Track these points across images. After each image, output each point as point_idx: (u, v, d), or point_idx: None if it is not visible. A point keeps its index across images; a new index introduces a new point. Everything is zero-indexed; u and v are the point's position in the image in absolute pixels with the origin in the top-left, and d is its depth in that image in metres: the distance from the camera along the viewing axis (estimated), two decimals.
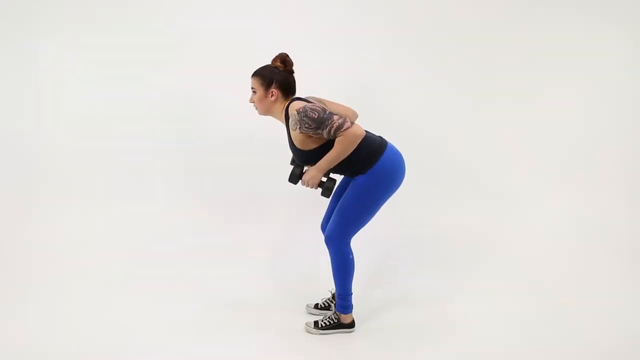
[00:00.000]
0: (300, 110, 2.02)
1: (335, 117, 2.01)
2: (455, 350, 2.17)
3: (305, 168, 2.20)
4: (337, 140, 2.03)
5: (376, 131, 2.25)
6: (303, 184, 2.17)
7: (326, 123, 2.00)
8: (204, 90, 3.43)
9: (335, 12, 3.39)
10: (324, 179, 2.20)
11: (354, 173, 2.14)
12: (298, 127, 2.03)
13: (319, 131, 2.02)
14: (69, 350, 2.12)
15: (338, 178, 2.37)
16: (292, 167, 2.25)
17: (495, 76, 3.48)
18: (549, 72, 3.48)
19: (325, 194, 2.17)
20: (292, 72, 2.18)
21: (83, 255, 3.06)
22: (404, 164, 2.19)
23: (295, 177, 2.19)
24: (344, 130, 2.01)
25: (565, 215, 3.47)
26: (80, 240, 3.20)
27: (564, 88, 3.50)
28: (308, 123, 2.01)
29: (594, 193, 3.54)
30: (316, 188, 2.17)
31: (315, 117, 2.00)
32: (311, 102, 2.10)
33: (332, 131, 2.01)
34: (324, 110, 2.03)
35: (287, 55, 2.16)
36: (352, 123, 2.03)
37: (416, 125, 3.46)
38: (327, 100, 2.29)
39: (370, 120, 2.28)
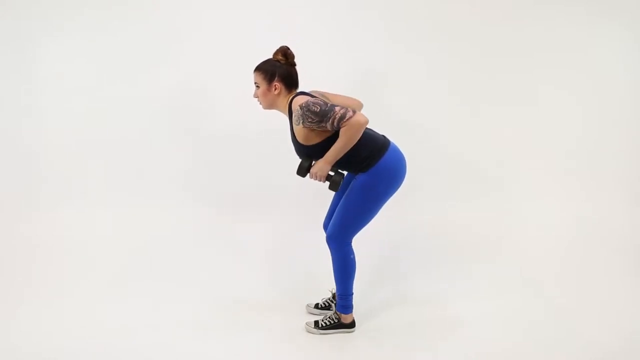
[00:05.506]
0: (303, 105, 2.02)
1: (337, 108, 2.01)
2: (455, 351, 2.17)
3: (314, 162, 2.18)
4: (341, 130, 2.02)
5: (377, 130, 2.25)
6: (311, 176, 2.15)
7: (329, 115, 1.99)
8: (203, 90, 3.42)
9: (336, 9, 3.38)
10: (332, 173, 2.17)
11: (356, 171, 2.15)
12: (301, 121, 2.04)
13: (322, 124, 2.02)
14: (69, 350, 2.12)
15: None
16: (300, 160, 2.21)
17: (497, 75, 3.47)
18: (550, 72, 3.48)
19: (333, 187, 2.13)
20: (294, 64, 2.17)
21: (83, 255, 3.06)
22: (405, 164, 2.20)
23: (303, 170, 2.16)
24: (347, 120, 2.00)
25: (566, 215, 3.47)
26: (80, 240, 3.20)
27: (565, 88, 3.50)
28: (311, 117, 2.01)
29: (595, 193, 3.54)
30: (324, 181, 2.15)
31: (318, 110, 2.00)
32: (315, 97, 2.10)
33: (335, 122, 2.00)
34: (326, 103, 2.03)
35: (288, 48, 2.16)
36: (355, 112, 2.02)
37: (416, 125, 3.46)
38: (330, 94, 2.30)
39: (370, 119, 2.27)
